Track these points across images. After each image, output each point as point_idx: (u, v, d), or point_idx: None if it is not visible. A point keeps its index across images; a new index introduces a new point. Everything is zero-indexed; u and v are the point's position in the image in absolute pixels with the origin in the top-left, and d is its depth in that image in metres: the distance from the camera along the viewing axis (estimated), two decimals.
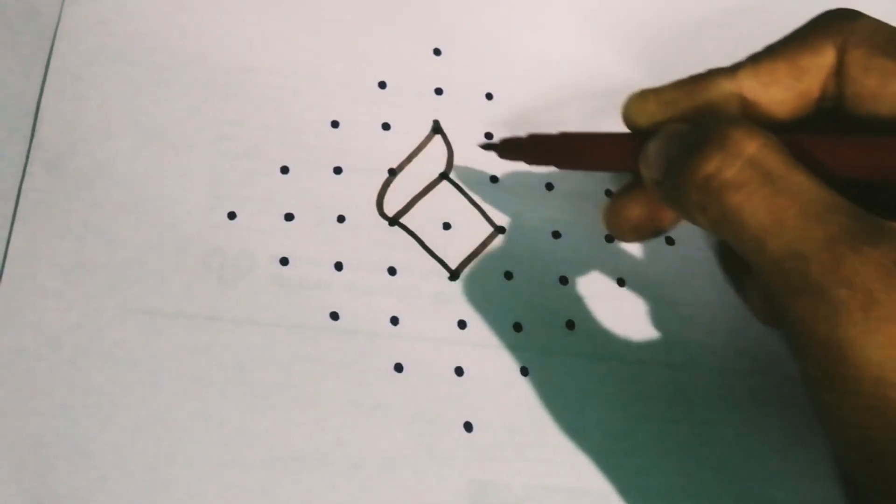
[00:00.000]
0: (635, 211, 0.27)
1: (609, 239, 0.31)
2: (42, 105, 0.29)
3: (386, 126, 0.31)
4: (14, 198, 0.28)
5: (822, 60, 0.25)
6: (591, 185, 0.32)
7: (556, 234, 0.31)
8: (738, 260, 0.27)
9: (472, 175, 0.31)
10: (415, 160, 0.31)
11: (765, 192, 0.22)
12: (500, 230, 0.31)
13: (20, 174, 0.28)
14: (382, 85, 0.32)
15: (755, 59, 0.26)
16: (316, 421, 0.27)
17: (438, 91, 0.32)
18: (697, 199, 0.23)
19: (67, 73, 0.30)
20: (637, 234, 0.28)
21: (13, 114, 0.29)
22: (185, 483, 0.26)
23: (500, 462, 0.28)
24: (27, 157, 0.29)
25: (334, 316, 0.29)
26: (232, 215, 0.29)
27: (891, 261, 0.21)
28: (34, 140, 0.29)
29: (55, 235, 0.28)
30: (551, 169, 0.31)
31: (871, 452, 0.22)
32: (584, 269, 0.30)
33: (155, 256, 0.28)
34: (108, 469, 0.26)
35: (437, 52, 0.33)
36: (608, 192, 0.32)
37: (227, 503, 0.26)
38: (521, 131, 0.32)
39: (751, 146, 0.22)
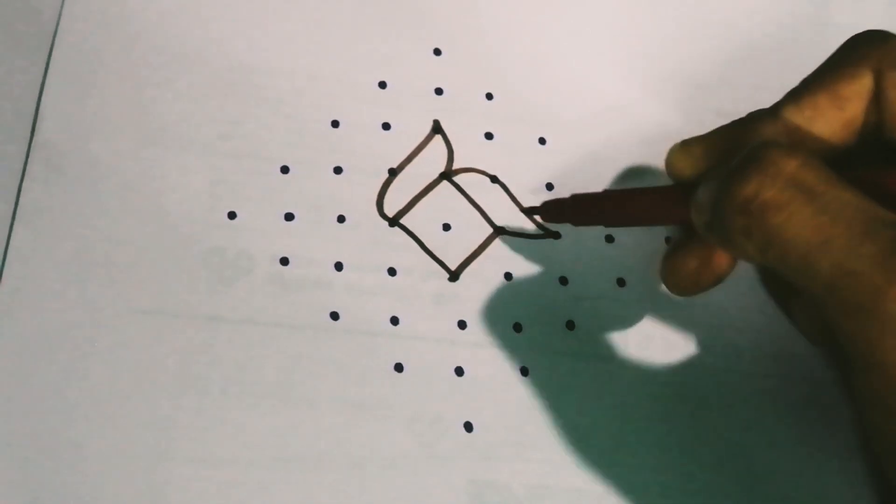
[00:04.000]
0: (691, 264, 0.27)
1: (609, 239, 0.31)
2: (42, 105, 0.29)
3: (386, 126, 0.31)
4: (14, 198, 0.28)
5: (861, 86, 0.24)
6: (591, 183, 0.32)
7: (557, 235, 0.31)
8: (783, 283, 0.27)
9: (472, 175, 0.31)
10: (415, 160, 0.31)
11: (808, 210, 0.21)
12: (500, 231, 0.31)
13: (20, 174, 0.28)
14: (382, 85, 0.32)
15: (795, 95, 0.25)
16: (316, 421, 0.27)
17: (438, 91, 0.32)
18: (741, 224, 0.22)
19: (68, 72, 0.30)
20: (697, 286, 0.27)
21: (13, 114, 0.29)
22: (184, 483, 0.26)
23: (500, 462, 0.28)
24: (27, 157, 0.29)
25: (334, 316, 0.29)
26: (232, 215, 0.29)
27: None
28: (34, 140, 0.29)
29: (55, 235, 0.28)
30: (551, 170, 0.32)
31: None
32: (584, 269, 0.30)
33: (155, 256, 0.28)
34: (108, 469, 0.26)
35: (437, 52, 0.33)
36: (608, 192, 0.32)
37: (227, 503, 0.26)
38: (522, 133, 0.32)
39: (790, 165, 0.22)
